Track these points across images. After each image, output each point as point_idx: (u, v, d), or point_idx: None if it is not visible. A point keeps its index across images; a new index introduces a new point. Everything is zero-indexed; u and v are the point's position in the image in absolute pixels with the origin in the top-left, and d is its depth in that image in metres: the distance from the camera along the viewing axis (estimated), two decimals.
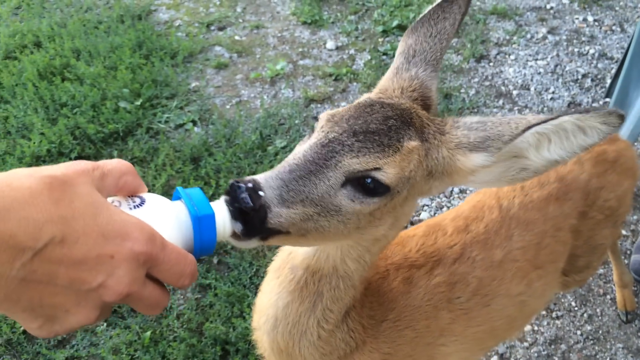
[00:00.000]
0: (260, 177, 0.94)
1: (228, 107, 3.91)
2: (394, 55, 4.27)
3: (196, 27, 4.68)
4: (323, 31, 4.64)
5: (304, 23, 4.73)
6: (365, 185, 0.97)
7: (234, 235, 0.90)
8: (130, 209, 0.79)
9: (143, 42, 4.29)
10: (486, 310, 1.54)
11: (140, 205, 0.80)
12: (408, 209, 1.12)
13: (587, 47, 4.39)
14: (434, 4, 1.20)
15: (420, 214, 3.18)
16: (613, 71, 4.10)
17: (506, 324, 1.62)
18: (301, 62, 4.32)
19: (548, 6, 4.90)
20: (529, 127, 0.96)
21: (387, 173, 0.97)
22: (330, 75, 4.16)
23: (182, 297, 2.73)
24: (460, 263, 1.50)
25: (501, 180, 1.05)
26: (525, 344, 2.56)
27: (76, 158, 3.38)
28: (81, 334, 2.55)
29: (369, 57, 4.31)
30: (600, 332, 2.60)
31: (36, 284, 0.65)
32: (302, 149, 0.99)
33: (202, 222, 0.82)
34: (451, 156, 1.04)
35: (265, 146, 3.48)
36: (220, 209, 0.87)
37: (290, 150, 3.44)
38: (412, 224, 2.94)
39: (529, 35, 4.54)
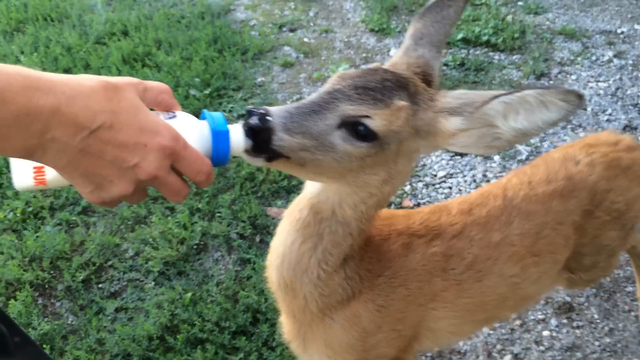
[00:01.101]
0: (272, 109, 1.15)
1: (288, 102, 4.15)
2: (454, 67, 4.40)
3: (269, 28, 4.98)
4: (389, 39, 4.83)
5: (372, 30, 4.94)
6: (357, 130, 1.16)
7: (246, 151, 1.11)
8: (165, 119, 1.02)
9: (218, 37, 4.63)
10: (478, 285, 1.67)
11: (174, 117, 1.03)
12: (401, 167, 1.29)
13: None
14: None
15: None
16: None
17: (497, 301, 1.75)
18: (363, 66, 4.51)
19: (619, 30, 4.88)
20: (496, 97, 1.13)
21: (376, 122, 1.16)
22: None
23: (223, 267, 2.98)
24: (459, 239, 1.65)
25: (479, 146, 1.21)
26: (542, 348, 2.63)
27: None
28: (132, 289, 2.84)
29: None
30: (619, 345, 2.63)
31: (90, 156, 0.88)
32: (313, 94, 1.21)
33: (219, 136, 1.04)
34: (435, 118, 1.22)
35: None
36: (236, 129, 1.09)
37: None
38: None
39: (594, 57, 4.54)
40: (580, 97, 1.07)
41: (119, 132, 0.89)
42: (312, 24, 5.06)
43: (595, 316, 2.75)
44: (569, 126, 3.91)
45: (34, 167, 0.95)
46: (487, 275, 1.68)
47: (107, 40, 4.60)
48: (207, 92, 4.08)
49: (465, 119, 1.18)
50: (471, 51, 4.64)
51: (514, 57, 4.58)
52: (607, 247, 1.93)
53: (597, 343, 2.64)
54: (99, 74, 4.17)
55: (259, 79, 4.35)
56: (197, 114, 3.87)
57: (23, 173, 0.96)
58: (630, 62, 4.49)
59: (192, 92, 4.06)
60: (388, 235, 1.60)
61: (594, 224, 1.85)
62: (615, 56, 4.56)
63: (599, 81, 4.32)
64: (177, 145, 0.95)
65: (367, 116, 1.16)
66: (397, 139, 1.21)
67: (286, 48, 4.73)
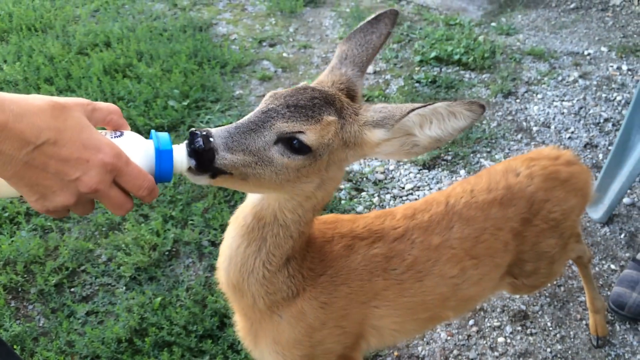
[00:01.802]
0: (213, 130, 1.26)
1: None
2: (426, 84, 4.57)
3: (249, 42, 5.12)
4: None
5: None
6: (292, 145, 1.29)
7: (190, 170, 1.22)
8: (112, 137, 1.12)
9: (199, 50, 4.75)
10: (419, 285, 1.80)
11: (120, 136, 1.14)
12: (333, 174, 1.42)
13: (615, 94, 4.53)
14: (366, 20, 1.52)
15: None
16: None
17: (438, 300, 1.87)
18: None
19: (586, 52, 5.07)
20: (412, 110, 1.27)
21: (309, 137, 1.29)
22: (364, 96, 4.46)
23: (194, 273, 3.08)
24: (400, 242, 1.78)
25: (400, 153, 1.35)
26: (496, 353, 2.75)
27: None
28: (102, 294, 2.92)
29: (403, 84, 4.61)
30: (570, 352, 2.76)
31: (34, 168, 0.98)
32: (249, 115, 1.33)
33: (162, 155, 1.14)
34: (360, 131, 1.36)
35: None
36: (180, 149, 1.20)
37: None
38: None
39: (560, 78, 4.72)
40: (482, 107, 1.22)
41: (63, 148, 0.98)
42: (291, 40, 5.21)
43: (549, 324, 2.88)
44: (532, 143, 4.07)
45: None
46: (427, 276, 1.80)
47: (90, 50, 4.71)
48: (185, 103, 4.19)
49: (387, 130, 1.31)
50: (443, 69, 4.80)
51: (484, 75, 4.75)
52: (547, 254, 2.06)
53: (548, 350, 2.77)
54: (80, 84, 4.28)
55: (237, 92, 4.47)
56: (176, 125, 3.97)
57: None
58: (595, 82, 4.67)
59: (171, 103, 4.17)
60: (331, 237, 1.72)
61: (532, 231, 1.98)
62: (580, 77, 4.74)
63: (563, 100, 4.49)
64: (119, 161, 1.04)
65: (300, 132, 1.29)
66: (328, 150, 1.34)
67: (265, 62, 4.87)
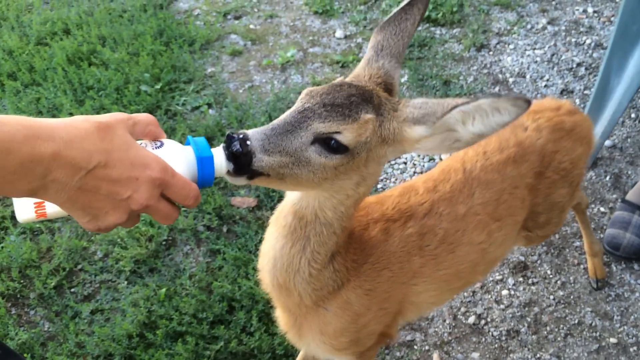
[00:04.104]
0: (249, 132, 1.25)
1: (241, 91, 4.20)
2: None
3: (214, 16, 4.98)
4: (333, 20, 4.91)
5: (316, 13, 5.00)
6: (329, 144, 1.28)
7: (228, 173, 1.22)
8: (153, 148, 1.12)
9: (164, 30, 4.60)
10: (452, 256, 1.84)
11: (161, 146, 1.14)
12: (372, 170, 1.41)
13: (584, 38, 4.59)
14: (398, 7, 1.48)
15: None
16: None
17: (470, 267, 1.92)
18: (311, 50, 4.59)
19: None
20: (455, 107, 1.24)
21: (346, 136, 1.27)
22: (338, 62, 4.43)
23: (194, 260, 3.05)
24: (429, 217, 1.80)
25: (441, 148, 1.33)
26: (502, 306, 2.82)
27: None
28: (105, 290, 2.88)
29: None
30: (572, 297, 2.85)
31: (87, 192, 0.98)
32: (284, 114, 1.31)
33: (204, 162, 1.15)
34: (400, 128, 1.34)
35: None
36: (218, 153, 1.20)
37: None
38: None
39: (529, 26, 4.75)
40: (527, 102, 1.20)
41: (113, 169, 0.99)
42: (256, 10, 5.08)
43: (548, 272, 2.96)
44: (511, 94, 4.11)
45: (35, 203, 1.06)
46: (458, 246, 1.84)
47: (49, 40, 4.51)
48: (158, 87, 4.07)
49: (429, 127, 1.29)
50: None
51: (454, 30, 4.74)
52: (559, 204, 2.12)
53: (551, 297, 2.86)
54: (45, 76, 4.12)
55: (209, 70, 4.37)
56: (152, 110, 3.88)
57: (25, 208, 1.06)
58: (563, 27, 4.72)
59: (143, 88, 4.05)
60: (367, 224, 1.73)
61: (545, 183, 2.02)
62: (548, 23, 4.78)
63: (535, 49, 4.53)
64: (166, 175, 1.05)
65: (337, 132, 1.27)
66: (366, 147, 1.33)
67: (233, 36, 4.75)
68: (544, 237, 2.25)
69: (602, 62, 3.27)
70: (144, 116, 1.13)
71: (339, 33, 4.75)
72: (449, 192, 1.86)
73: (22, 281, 2.92)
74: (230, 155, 1.20)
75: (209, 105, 4.03)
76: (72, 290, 2.90)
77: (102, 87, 4.03)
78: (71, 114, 3.77)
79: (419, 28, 4.75)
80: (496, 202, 1.90)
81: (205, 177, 1.16)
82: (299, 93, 4.01)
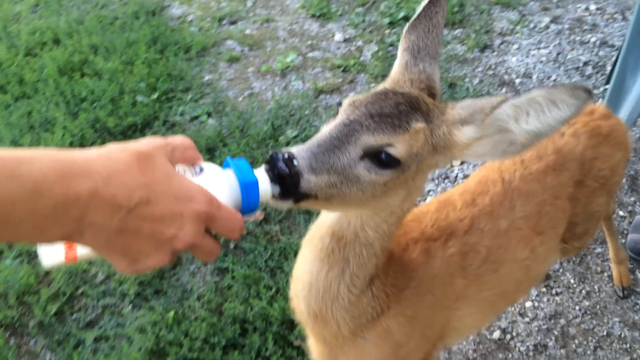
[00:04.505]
0: (294, 149, 1.12)
1: (240, 99, 4.06)
2: None
3: (208, 22, 4.83)
4: (331, 24, 4.78)
5: (313, 16, 4.87)
6: (380, 159, 1.15)
7: (273, 197, 1.08)
8: (193, 176, 0.98)
9: (157, 37, 4.45)
10: (495, 276, 1.71)
11: (201, 173, 1.00)
12: (419, 183, 1.29)
13: (588, 36, 4.49)
14: (426, 2, 1.35)
15: (425, 199, 3.33)
16: (614, 59, 4.20)
17: (514, 286, 1.80)
18: (310, 55, 4.46)
19: None
20: (505, 101, 1.12)
21: (398, 149, 1.15)
22: (339, 66, 4.30)
23: (201, 280, 2.90)
24: (471, 234, 1.67)
25: (494, 154, 1.20)
26: (527, 319, 2.71)
27: None
28: (109, 316, 2.72)
29: (376, 49, 4.45)
30: (598, 307, 2.74)
31: (127, 234, 0.85)
32: (328, 128, 1.17)
33: (248, 187, 1.01)
34: (449, 131, 1.21)
35: (277, 136, 3.63)
36: (261, 175, 1.06)
37: (301, 139, 3.59)
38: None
39: (532, 25, 4.65)
40: (588, 91, 1.07)
41: (156, 206, 0.86)
42: (251, 14, 4.94)
43: (572, 281, 2.85)
44: None
45: (66, 243, 0.89)
46: (502, 264, 1.72)
47: (39, 50, 4.35)
48: (154, 96, 3.93)
49: (478, 127, 1.17)
50: None
51: (456, 31, 4.63)
52: (597, 214, 2.00)
53: (577, 307, 2.74)
54: (36, 88, 3.96)
55: (207, 77, 4.23)
56: (149, 122, 3.70)
57: (53, 251, 0.91)
58: (567, 26, 4.62)
59: (139, 98, 3.90)
60: (406, 244, 1.60)
61: (584, 192, 1.91)
62: (551, 21, 4.68)
63: (539, 48, 4.43)
64: (212, 207, 0.93)
65: (388, 144, 1.15)
66: (417, 159, 1.21)
67: (229, 42, 4.61)
68: (579, 248, 2.13)
69: (618, 61, 3.16)
70: (181, 140, 0.99)
71: (338, 36, 4.63)
72: (489, 206, 1.73)
73: (20, 308, 2.76)
74: (276, 177, 1.07)
75: (209, 115, 3.89)
76: (74, 316, 2.75)
77: (96, 99, 3.87)
78: (65, 128, 3.61)
79: None
80: (538, 214, 1.78)
81: (250, 204, 1.02)
82: (301, 99, 3.90)
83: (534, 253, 1.78)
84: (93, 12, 4.86)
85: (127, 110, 3.76)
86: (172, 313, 2.68)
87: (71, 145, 3.54)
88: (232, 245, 3.05)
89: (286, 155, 1.09)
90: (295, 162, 1.09)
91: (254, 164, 3.41)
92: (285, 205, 1.12)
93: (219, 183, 0.99)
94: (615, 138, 1.96)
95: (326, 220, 1.37)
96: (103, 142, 3.61)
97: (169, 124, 3.79)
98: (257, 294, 2.77)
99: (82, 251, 0.91)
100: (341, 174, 1.13)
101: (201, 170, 1.00)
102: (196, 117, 3.86)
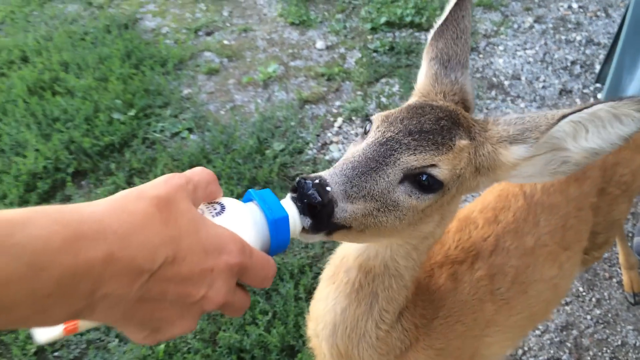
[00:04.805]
0: (325, 174, 0.97)
1: (222, 112, 3.89)
2: (384, 52, 4.28)
3: (184, 34, 4.66)
4: (312, 31, 4.64)
5: (292, 24, 4.73)
6: (421, 181, 1.01)
7: (303, 230, 0.93)
8: (213, 216, 0.83)
9: (132, 51, 4.26)
10: (524, 297, 1.59)
11: (222, 211, 0.84)
12: (454, 207, 1.17)
13: (573, 34, 4.43)
14: (451, 6, 1.22)
15: None
16: (601, 57, 4.15)
17: (543, 308, 1.69)
18: (292, 64, 4.31)
19: None
20: (565, 116, 1.00)
21: (442, 170, 1.02)
22: (323, 75, 4.16)
23: None
24: (497, 254, 1.55)
25: (543, 174, 1.08)
26: (538, 332, 2.58)
27: (73, 173, 3.36)
28: (94, 351, 2.53)
29: (360, 55, 4.32)
30: (610, 315, 2.63)
31: (149, 302, 0.70)
32: (361, 148, 1.03)
33: (278, 224, 0.86)
34: (495, 150, 1.08)
35: (263, 150, 3.48)
36: (289, 206, 0.91)
37: (289, 152, 3.44)
38: None
39: (515, 25, 4.58)
40: None
41: (183, 264, 0.71)
42: (228, 24, 4.78)
43: (581, 289, 2.74)
44: (508, 98, 3.91)
45: None
46: (531, 285, 1.60)
47: (7, 70, 4.12)
48: (131, 113, 3.74)
49: (530, 146, 1.04)
50: (397, 34, 4.54)
51: None
52: (618, 222, 1.91)
53: (588, 317, 2.63)
54: (5, 109, 3.73)
55: (186, 91, 4.05)
56: (127, 140, 3.48)
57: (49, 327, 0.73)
58: (551, 25, 4.56)
59: (115, 115, 3.71)
60: (431, 270, 1.46)
61: (606, 200, 1.81)
62: (535, 21, 4.61)
63: (525, 49, 4.35)
64: (244, 257, 0.78)
65: (432, 165, 1.01)
66: (459, 181, 1.07)
67: (207, 54, 4.44)
68: (598, 258, 2.03)
69: (613, 61, 3.08)
70: (201, 173, 0.83)
71: (320, 44, 4.49)
72: (513, 222, 1.61)
73: None
74: (306, 208, 0.92)
75: (190, 130, 3.71)
76: (56, 354, 2.54)
77: (69, 118, 3.67)
78: (37, 151, 3.40)
79: (403, 34, 4.53)
80: (563, 228, 1.66)
81: (280, 243, 0.87)
82: (286, 110, 3.75)
83: (561, 270, 1.65)
84: (62, 28, 4.64)
85: (103, 130, 3.57)
86: (162, 346, 2.49)
87: (45, 169, 3.33)
88: None
89: (317, 181, 0.94)
90: (328, 189, 0.94)
91: (241, 180, 3.24)
92: (316, 238, 0.98)
93: (244, 222, 0.84)
94: (635, 141, 1.86)
95: (351, 251, 1.23)
96: (79, 165, 3.41)
97: (148, 142, 3.60)
98: (253, 320, 2.60)
99: (85, 322, 0.74)
100: (379, 200, 0.99)
101: (222, 208, 0.84)
102: (177, 133, 3.69)
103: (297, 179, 0.94)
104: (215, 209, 0.84)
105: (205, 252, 0.73)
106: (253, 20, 4.84)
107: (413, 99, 1.18)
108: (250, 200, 0.89)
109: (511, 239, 1.57)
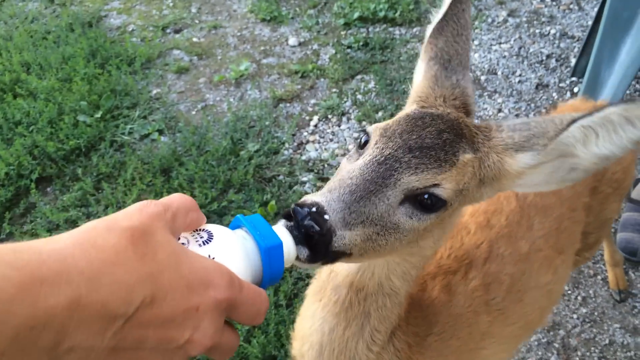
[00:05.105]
0: (321, 199, 0.88)
1: (194, 112, 3.76)
2: (358, 48, 4.19)
3: (151, 31, 4.50)
4: (283, 27, 4.53)
5: (263, 20, 4.61)
6: (422, 201, 0.94)
7: (297, 259, 0.85)
8: (200, 245, 0.73)
9: (96, 50, 4.09)
10: (520, 306, 1.52)
11: (209, 240, 0.74)
12: (455, 218, 1.09)
13: (547, 28, 4.41)
14: (449, 1, 1.12)
15: None
16: (576, 50, 4.13)
17: (538, 315, 1.62)
18: (265, 61, 4.20)
19: None
20: (574, 121, 0.93)
21: (446, 188, 0.94)
22: (296, 72, 4.06)
23: None
24: (491, 262, 1.47)
25: (550, 182, 1.01)
26: None
27: (37, 179, 3.19)
28: None
29: (334, 52, 4.23)
30: (596, 313, 2.60)
31: (125, 352, 0.60)
32: (357, 167, 0.94)
33: (272, 253, 0.77)
34: (500, 159, 1.00)
35: (237, 151, 3.36)
36: (282, 234, 0.82)
37: (265, 153, 3.33)
38: None
39: (490, 20, 4.54)
40: None
41: (163, 304, 0.61)
42: (197, 21, 4.64)
43: (566, 287, 2.70)
44: (485, 93, 3.86)
45: None
46: (526, 292, 1.53)
47: None
48: (98, 115, 3.58)
49: (537, 153, 0.96)
50: (371, 29, 4.46)
51: (414, 29, 4.46)
52: (609, 221, 1.87)
53: (575, 316, 2.59)
54: None
55: (154, 91, 3.90)
56: (95, 144, 3.30)
57: None
58: (525, 19, 4.53)
59: (81, 118, 3.54)
60: (423, 282, 1.38)
61: (598, 199, 1.76)
62: (509, 15, 4.58)
63: (500, 43, 4.31)
64: (234, 292, 0.68)
65: (435, 184, 0.93)
66: (462, 195, 0.99)
67: (176, 52, 4.29)
68: (589, 259, 1.98)
69: (592, 55, 3.05)
70: (180, 199, 0.73)
71: (292, 40, 4.38)
72: (506, 227, 1.53)
73: None
74: (303, 237, 0.83)
75: (160, 132, 3.57)
76: None
77: (32, 122, 3.49)
78: None
79: (377, 29, 4.45)
80: (557, 231, 1.60)
81: (273, 274, 0.78)
82: (260, 109, 3.63)
83: (556, 275, 1.59)
84: (22, 27, 4.44)
85: (68, 133, 3.40)
86: None
87: (7, 176, 3.15)
88: None
89: (314, 209, 0.85)
90: (326, 217, 0.85)
91: (215, 183, 3.12)
92: (314, 267, 0.90)
93: (233, 251, 0.74)
94: None
95: (340, 269, 1.13)
96: (43, 170, 3.25)
97: (117, 145, 3.45)
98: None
99: None
100: (378, 224, 0.91)
101: (210, 235, 0.74)
102: (147, 135, 3.54)
103: (292, 205, 0.86)
104: (201, 237, 0.74)
105: (188, 288, 0.63)
106: (223, 16, 4.70)
107: (411, 107, 1.08)
108: (238, 226, 0.79)
109: (505, 244, 1.49)
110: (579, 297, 2.65)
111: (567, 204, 1.62)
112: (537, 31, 4.39)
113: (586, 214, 1.72)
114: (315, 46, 4.33)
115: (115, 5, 4.84)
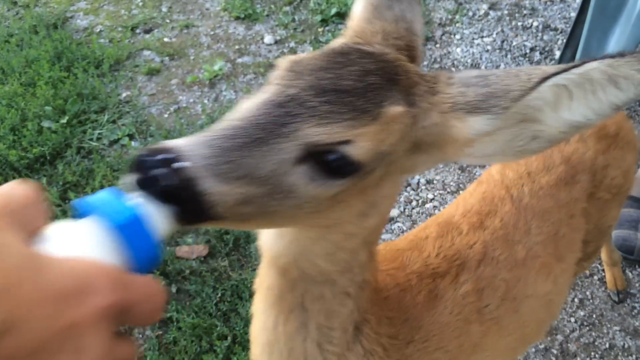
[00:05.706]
0: (181, 144, 0.67)
1: (166, 115, 3.58)
2: None
3: (120, 32, 4.30)
4: (258, 25, 4.37)
5: (237, 18, 4.44)
6: (328, 162, 0.73)
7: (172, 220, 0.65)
8: (55, 245, 0.56)
9: (62, 52, 3.89)
10: (516, 317, 1.37)
11: (61, 238, 0.57)
12: (388, 190, 0.87)
13: (530, 20, 4.31)
14: None
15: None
16: (560, 42, 4.04)
17: (536, 327, 1.49)
18: (240, 60, 4.03)
19: None
20: (546, 78, 0.73)
21: (359, 148, 0.73)
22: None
23: (140, 336, 2.42)
24: (485, 265, 1.32)
25: (506, 153, 0.82)
26: None
27: None
28: None
29: (311, 49, 4.07)
30: (594, 316, 2.48)
31: None
32: (247, 107, 0.74)
33: (130, 230, 0.59)
34: (444, 122, 0.80)
35: None
36: (139, 201, 0.62)
37: None
38: None
39: (470, 13, 4.42)
40: None
41: (27, 328, 0.47)
42: (168, 21, 4.45)
43: None
44: None
45: None
46: (523, 301, 1.38)
47: None
48: (64, 121, 3.38)
49: (495, 117, 0.77)
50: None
51: None
52: (609, 228, 1.73)
53: (572, 320, 2.47)
54: None
55: (124, 94, 3.71)
56: (60, 151, 3.10)
57: None
58: (506, 12, 4.42)
59: (46, 124, 3.34)
60: (407, 282, 1.20)
61: (597, 206, 1.62)
62: (490, 8, 4.47)
63: (483, 37, 4.20)
64: (120, 291, 0.54)
65: (345, 141, 0.72)
66: (387, 160, 0.79)
67: (146, 52, 4.10)
68: (586, 268, 1.85)
69: (579, 46, 2.94)
70: (21, 189, 0.55)
71: (268, 39, 4.22)
72: (501, 229, 1.39)
73: None
74: (159, 194, 0.62)
75: (131, 137, 3.38)
76: None
77: None
78: None
79: None
80: (555, 237, 1.46)
81: (143, 254, 0.59)
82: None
83: (556, 285, 1.45)
84: None
85: (32, 140, 3.20)
86: None
87: None
88: (174, 290, 2.58)
89: (166, 155, 0.64)
90: (184, 164, 0.65)
91: None
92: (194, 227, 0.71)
93: (81, 244, 0.57)
94: (624, 137, 1.67)
95: (265, 244, 0.95)
96: (5, 180, 3.03)
97: (84, 152, 3.26)
98: (211, 347, 2.33)
99: None
100: (266, 184, 0.71)
101: (59, 233, 0.58)
102: (116, 141, 3.35)
103: (137, 154, 0.65)
104: (52, 235, 0.57)
105: (58, 300, 0.49)
106: (195, 15, 4.52)
107: (340, 40, 0.87)
108: (85, 214, 0.60)
109: (501, 247, 1.35)
110: (576, 300, 2.53)
111: (565, 209, 1.48)
112: (520, 24, 4.28)
113: (586, 222, 1.59)
114: (292, 44, 4.18)
115: (82, 5, 4.62)
